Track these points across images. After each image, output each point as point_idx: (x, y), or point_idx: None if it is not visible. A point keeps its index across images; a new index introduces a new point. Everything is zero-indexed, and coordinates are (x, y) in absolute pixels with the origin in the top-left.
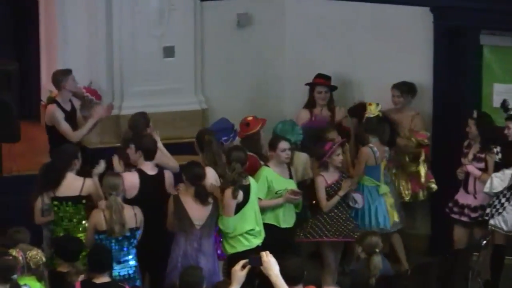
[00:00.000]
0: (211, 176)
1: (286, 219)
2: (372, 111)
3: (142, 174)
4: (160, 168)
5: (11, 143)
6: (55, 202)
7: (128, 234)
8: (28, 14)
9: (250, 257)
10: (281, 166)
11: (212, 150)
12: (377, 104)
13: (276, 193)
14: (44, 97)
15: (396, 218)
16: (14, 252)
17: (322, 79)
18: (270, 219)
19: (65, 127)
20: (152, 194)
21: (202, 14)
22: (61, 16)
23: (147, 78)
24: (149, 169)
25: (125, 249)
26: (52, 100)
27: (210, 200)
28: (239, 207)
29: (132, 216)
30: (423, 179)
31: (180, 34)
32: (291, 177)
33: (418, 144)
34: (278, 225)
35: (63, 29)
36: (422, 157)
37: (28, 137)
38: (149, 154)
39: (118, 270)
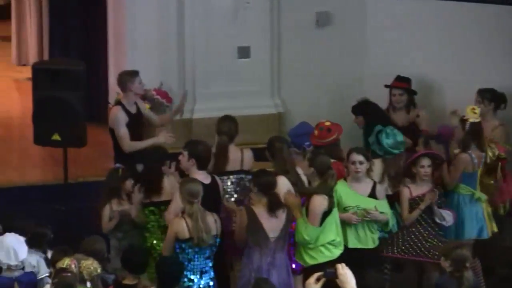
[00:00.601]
0: (283, 185)
1: (358, 238)
2: (474, 115)
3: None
4: (213, 176)
5: (77, 148)
6: (151, 208)
7: (211, 241)
8: (96, 13)
9: (326, 269)
10: (359, 180)
11: (283, 157)
12: (476, 108)
13: (344, 209)
14: (111, 99)
15: (495, 228)
16: (67, 260)
17: (397, 82)
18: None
19: (123, 132)
20: (207, 205)
21: (279, 12)
22: (130, 15)
23: (221, 80)
24: (203, 178)
25: (207, 258)
26: (117, 102)
27: (283, 210)
28: (323, 217)
29: (213, 222)
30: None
31: (256, 34)
32: (373, 195)
33: (497, 156)
34: (346, 244)
35: (133, 28)
36: (498, 171)
37: (94, 142)
38: (203, 163)
39: (199, 282)
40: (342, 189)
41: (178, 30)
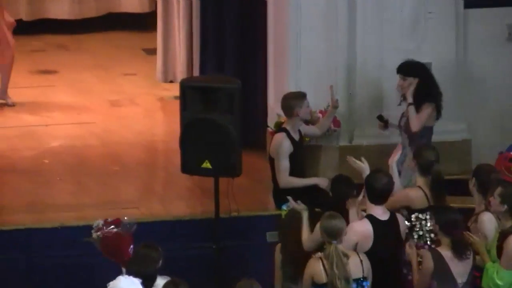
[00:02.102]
0: (490, 223)
1: None
2: None
3: (373, 221)
4: (391, 211)
5: (230, 178)
6: None
7: (354, 286)
8: (255, 26)
9: None
10: None
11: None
12: None
13: None
14: (270, 122)
15: None
16: None
17: None
18: None
19: (284, 166)
20: (386, 244)
21: (466, 24)
22: (293, 27)
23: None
24: (381, 213)
25: None
26: (281, 128)
27: (470, 252)
28: None
29: (358, 264)
30: None
31: (439, 48)
32: None
33: None
34: None
35: (296, 44)
36: None
37: (250, 170)
38: (382, 196)
39: None
40: None
41: (348, 42)
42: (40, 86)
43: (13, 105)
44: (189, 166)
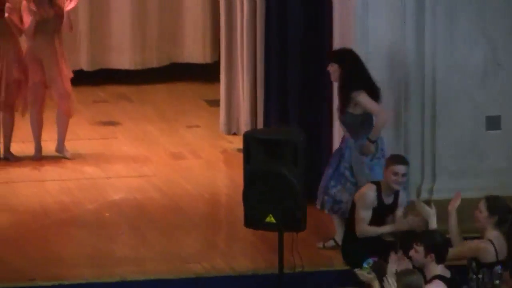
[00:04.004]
0: None
1: None
2: None
3: (445, 280)
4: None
5: (294, 232)
6: None
7: None
8: (319, 75)
9: None
10: None
11: None
12: None
13: None
14: None
15: None
16: None
17: None
18: None
19: (363, 216)
20: None
21: None
22: None
23: (465, 153)
24: (445, 271)
25: None
26: (377, 180)
27: None
28: None
29: None
30: None
31: (507, 101)
32: None
33: None
34: None
35: None
36: None
37: (315, 225)
38: (443, 255)
39: None
40: None
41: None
42: (102, 138)
43: (70, 158)
44: (252, 220)
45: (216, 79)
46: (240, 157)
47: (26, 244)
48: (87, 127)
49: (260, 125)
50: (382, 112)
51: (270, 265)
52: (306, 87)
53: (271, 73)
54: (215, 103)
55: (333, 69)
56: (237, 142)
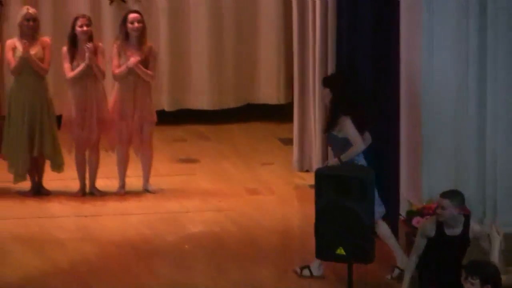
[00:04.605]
0: None
1: None
2: None
3: None
4: None
5: (363, 264)
6: None
7: None
8: (389, 120)
9: None
10: None
11: None
12: None
13: None
14: (402, 210)
15: None
16: None
17: None
18: None
19: (416, 243)
20: None
21: None
22: (425, 128)
23: None
24: None
25: None
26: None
27: None
28: None
29: None
30: None
31: None
32: None
33: None
34: None
35: (429, 136)
36: None
37: (383, 258)
38: (498, 286)
39: None
40: None
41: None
42: (182, 174)
43: (154, 192)
44: (323, 252)
45: (290, 119)
46: (312, 193)
47: (110, 274)
48: (167, 164)
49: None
50: (359, 142)
51: None
52: (375, 130)
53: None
54: (288, 141)
55: (325, 93)
56: (309, 179)
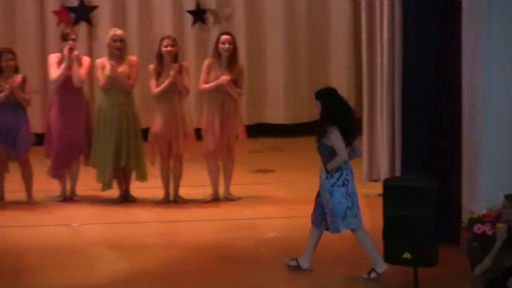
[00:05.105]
0: None
1: None
2: None
3: None
4: None
5: (427, 267)
6: None
7: None
8: (451, 132)
9: None
10: None
11: None
12: None
13: None
14: (465, 218)
15: None
16: None
17: None
18: None
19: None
20: None
21: None
22: (487, 132)
23: None
24: None
25: None
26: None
27: None
28: None
29: None
30: None
31: None
32: None
33: None
34: None
35: (489, 145)
36: None
37: (446, 263)
38: None
39: None
40: None
41: None
42: (258, 184)
43: (234, 200)
44: (391, 256)
45: (359, 133)
46: (380, 201)
47: (193, 277)
48: (246, 174)
49: (397, 173)
50: (343, 153)
51: None
52: (438, 141)
53: (407, 128)
54: None
55: (317, 106)
56: (378, 188)
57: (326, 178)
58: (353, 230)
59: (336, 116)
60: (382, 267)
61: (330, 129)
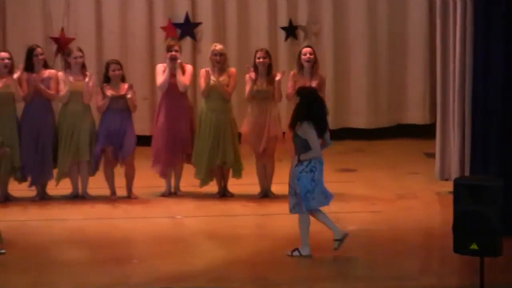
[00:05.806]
0: None
1: None
2: None
3: None
4: None
5: (492, 257)
6: None
7: None
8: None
9: None
10: None
11: None
12: None
13: None
14: None
15: None
16: None
17: None
18: None
19: None
20: None
21: None
22: None
23: None
24: None
25: None
26: None
27: None
28: None
29: None
30: None
31: None
32: None
33: None
34: None
35: None
36: None
37: (510, 254)
38: None
39: None
40: None
41: None
42: (342, 182)
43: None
44: (460, 247)
45: (433, 136)
46: (450, 198)
47: (282, 265)
48: (331, 173)
49: (467, 173)
50: (317, 148)
51: (473, 283)
52: (504, 143)
53: (477, 131)
54: (431, 155)
55: (294, 101)
56: (449, 186)
57: (296, 165)
58: (310, 211)
59: (314, 115)
60: (306, 251)
61: (305, 124)
